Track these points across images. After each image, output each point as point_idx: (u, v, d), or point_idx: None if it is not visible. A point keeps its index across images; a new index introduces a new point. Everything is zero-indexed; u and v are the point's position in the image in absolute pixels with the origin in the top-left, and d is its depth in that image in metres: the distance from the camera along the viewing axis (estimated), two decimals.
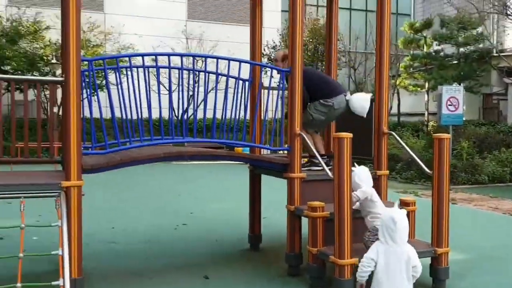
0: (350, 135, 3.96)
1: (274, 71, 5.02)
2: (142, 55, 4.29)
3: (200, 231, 6.78)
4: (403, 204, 4.56)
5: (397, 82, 22.62)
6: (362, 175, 4.17)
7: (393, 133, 5.20)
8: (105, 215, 7.83)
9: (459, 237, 5.97)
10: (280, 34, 23.57)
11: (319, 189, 4.65)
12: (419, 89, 22.85)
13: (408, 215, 4.50)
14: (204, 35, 23.45)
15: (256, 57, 5.87)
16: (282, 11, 26.27)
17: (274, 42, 23.12)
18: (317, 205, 4.20)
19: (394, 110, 23.27)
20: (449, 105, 13.20)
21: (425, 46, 22.19)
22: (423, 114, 22.71)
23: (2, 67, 18.85)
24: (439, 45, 21.70)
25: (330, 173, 4.37)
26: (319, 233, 4.21)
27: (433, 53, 21.65)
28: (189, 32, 23.84)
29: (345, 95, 5.13)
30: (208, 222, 7.41)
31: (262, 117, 5.39)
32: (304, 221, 4.52)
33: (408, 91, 23.36)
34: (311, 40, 21.88)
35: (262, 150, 5.59)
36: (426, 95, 22.20)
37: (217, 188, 11.73)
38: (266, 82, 5.60)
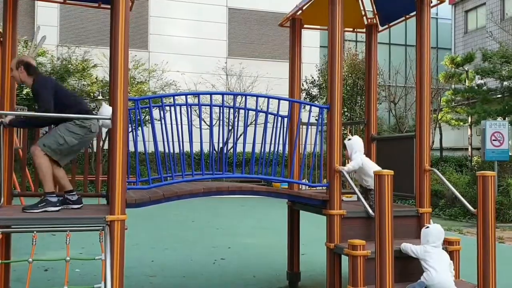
0: (391, 172, 3.92)
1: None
2: (186, 95, 4.44)
3: (238, 267, 6.76)
4: (446, 243, 4.46)
5: (439, 117, 22.21)
6: (358, 144, 4.97)
7: (435, 170, 5.10)
8: (145, 248, 7.94)
9: (507, 279, 5.70)
10: (318, 70, 23.76)
11: (360, 226, 4.58)
12: (461, 123, 22.34)
13: (452, 254, 4.40)
14: (243, 71, 23.93)
15: (294, 92, 5.96)
16: (320, 46, 26.57)
17: (312, 77, 23.30)
18: (357, 243, 4.14)
19: (437, 144, 22.77)
20: (494, 140, 12.84)
21: (466, 80, 21.81)
22: (466, 149, 22.10)
23: None
24: (481, 79, 21.26)
25: (370, 211, 4.32)
26: (360, 272, 4.12)
27: (476, 87, 21.22)
28: (229, 69, 24.39)
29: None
30: (246, 257, 7.38)
31: (300, 153, 5.42)
32: (345, 259, 4.45)
33: (451, 125, 22.86)
34: (350, 75, 21.92)
35: (301, 185, 5.59)
36: (469, 130, 21.66)
37: (254, 222, 11.70)
38: (305, 117, 5.65)
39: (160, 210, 11.32)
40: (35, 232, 3.68)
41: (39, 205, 4.11)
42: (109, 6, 5.01)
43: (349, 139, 5.03)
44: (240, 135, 4.95)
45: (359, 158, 4.90)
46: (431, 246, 4.16)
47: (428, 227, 4.31)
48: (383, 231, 3.82)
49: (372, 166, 4.92)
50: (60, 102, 4.28)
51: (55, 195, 4.21)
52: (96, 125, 4.41)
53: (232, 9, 26.79)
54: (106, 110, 4.42)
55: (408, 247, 4.24)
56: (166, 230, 10.18)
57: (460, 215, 12.70)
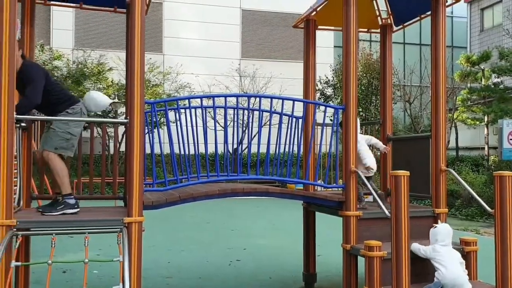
0: (407, 173, 3.90)
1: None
2: (200, 97, 4.48)
3: (254, 268, 6.78)
4: (463, 243, 4.43)
5: (455, 116, 21.99)
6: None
7: (451, 170, 5.05)
8: (162, 250, 8.00)
9: None
10: (332, 70, 23.69)
11: (376, 227, 4.57)
12: (478, 122, 22.08)
13: (469, 255, 4.36)
14: (257, 73, 23.98)
15: (309, 92, 5.95)
16: (334, 46, 26.49)
17: (326, 77, 23.24)
18: (374, 244, 4.12)
19: (452, 144, 22.54)
20: (511, 139, 12.66)
21: (483, 79, 21.55)
22: (483, 148, 21.83)
23: None
24: (498, 77, 20.99)
25: (387, 212, 4.30)
26: (376, 273, 4.10)
27: (492, 86, 20.96)
28: (242, 70, 24.45)
29: None
30: (261, 259, 7.39)
31: (315, 154, 5.41)
32: (361, 260, 4.44)
33: (467, 124, 22.62)
34: (364, 75, 21.83)
35: (316, 186, 5.59)
36: (485, 129, 21.39)
37: (269, 223, 11.71)
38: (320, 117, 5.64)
39: (176, 212, 11.39)
40: (54, 234, 3.74)
41: (58, 208, 4.16)
42: (124, 10, 5.08)
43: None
44: (254, 136, 4.95)
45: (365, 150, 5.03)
46: (440, 245, 4.14)
47: (436, 226, 4.30)
48: (400, 232, 3.80)
49: (366, 152, 5.03)
50: (54, 93, 4.22)
51: (72, 197, 4.27)
52: (82, 108, 4.39)
53: (245, 10, 26.86)
54: (90, 98, 4.63)
55: (417, 247, 4.22)
56: (182, 232, 10.24)
57: (477, 215, 12.56)
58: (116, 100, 20.23)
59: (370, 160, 5.02)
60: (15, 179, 4.11)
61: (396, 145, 5.83)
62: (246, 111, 5.40)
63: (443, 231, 4.22)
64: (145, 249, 4.03)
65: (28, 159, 4.71)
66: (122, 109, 20.25)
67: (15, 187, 4.27)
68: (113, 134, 11.70)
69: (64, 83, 19.68)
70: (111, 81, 21.22)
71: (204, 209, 13.99)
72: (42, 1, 4.92)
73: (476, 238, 4.67)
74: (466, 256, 4.39)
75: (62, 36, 23.73)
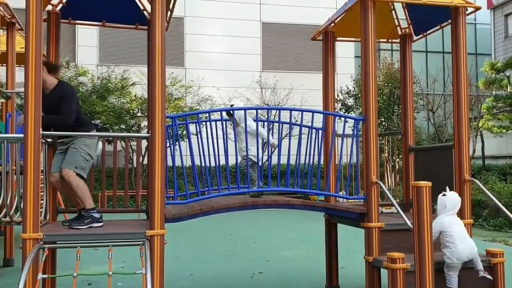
0: (429, 183, 3.86)
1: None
2: (220, 110, 4.53)
3: (276, 281, 6.75)
4: (490, 255, 4.36)
5: (480, 124, 21.59)
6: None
7: (476, 180, 4.97)
8: (184, 262, 8.04)
9: None
10: (353, 80, 23.59)
11: (398, 239, 4.52)
12: (504, 130, 21.62)
13: (496, 267, 4.27)
14: (277, 84, 24.04)
15: (329, 103, 5.95)
16: (355, 56, 26.40)
17: (347, 88, 23.15)
18: (396, 256, 4.08)
19: (478, 153, 22.10)
20: None
21: (508, 86, 21.14)
22: (510, 157, 21.35)
23: (92, 121, 20.41)
24: None
25: (409, 223, 4.25)
26: (400, 286, 4.05)
27: None
28: (263, 82, 24.55)
29: None
30: (284, 271, 7.36)
31: (336, 165, 5.40)
32: (384, 273, 4.39)
33: (493, 132, 22.17)
34: (386, 84, 21.66)
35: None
36: None
37: (291, 235, 11.65)
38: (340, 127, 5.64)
39: (198, 224, 11.46)
40: (79, 247, 3.82)
41: (85, 221, 4.26)
42: (145, 27, 5.19)
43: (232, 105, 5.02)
44: (275, 148, 5.00)
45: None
46: (446, 215, 4.11)
47: (445, 194, 4.26)
48: (423, 244, 3.75)
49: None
50: (77, 117, 4.43)
51: (96, 210, 4.36)
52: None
53: (265, 23, 27.04)
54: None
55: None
56: (204, 244, 10.28)
57: (505, 226, 12.24)
58: (139, 114, 20.53)
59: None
60: (42, 193, 4.22)
61: (419, 155, 5.77)
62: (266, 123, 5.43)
63: (453, 199, 4.20)
64: (168, 261, 4.08)
65: None
66: (145, 123, 20.51)
67: (42, 201, 4.38)
68: (136, 147, 11.90)
69: (89, 99, 20.10)
70: (134, 96, 21.55)
71: (226, 221, 14.01)
72: (67, 20, 5.07)
73: (503, 249, 4.57)
74: (492, 268, 4.30)
75: (87, 53, 24.27)
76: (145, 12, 5.12)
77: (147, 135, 4.19)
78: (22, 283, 3.36)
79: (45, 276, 3.87)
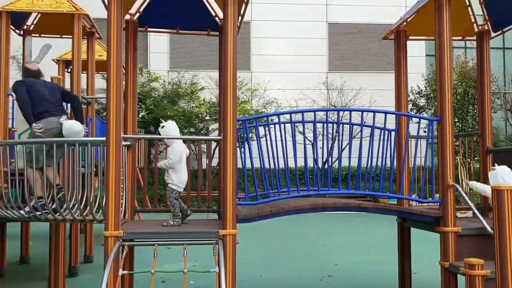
0: (511, 187, 3.66)
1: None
2: (290, 113, 4.56)
3: (345, 285, 6.67)
4: None
5: None
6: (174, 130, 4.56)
7: None
8: (254, 263, 8.14)
9: None
10: (425, 79, 22.77)
11: (475, 244, 4.32)
12: None
13: None
14: (345, 85, 23.71)
15: (401, 104, 5.80)
16: (426, 55, 25.49)
17: (419, 88, 22.39)
18: (475, 262, 3.90)
19: None
20: None
21: None
22: None
23: None
24: None
25: (489, 228, 4.06)
26: None
27: None
28: (330, 83, 24.32)
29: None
30: (354, 275, 7.25)
31: (410, 167, 5.26)
32: (460, 279, 4.21)
33: None
34: (460, 83, 20.73)
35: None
36: None
37: (361, 239, 11.44)
38: (413, 129, 5.48)
39: (266, 225, 11.56)
40: (156, 245, 4.00)
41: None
42: (217, 33, 5.34)
43: (163, 126, 4.51)
44: (344, 148, 4.93)
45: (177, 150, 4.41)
46: None
47: (495, 168, 4.13)
48: (504, 250, 3.56)
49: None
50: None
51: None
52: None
53: (332, 23, 26.80)
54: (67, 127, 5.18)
55: (483, 188, 4.01)
56: (272, 245, 10.35)
57: None
58: (207, 117, 21.06)
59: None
60: (121, 193, 4.46)
61: (498, 157, 5.48)
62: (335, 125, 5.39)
63: (506, 171, 4.05)
64: (239, 262, 4.16)
65: (132, 174, 5.08)
66: (213, 126, 21.02)
67: (121, 201, 4.62)
68: (205, 150, 12.29)
69: (161, 103, 20.86)
70: (203, 100, 22.13)
71: (295, 224, 14.00)
72: (143, 28, 5.33)
73: None
74: None
75: (158, 59, 25.25)
76: (216, 18, 5.27)
77: (219, 138, 4.31)
78: (106, 279, 3.57)
79: (125, 272, 4.07)
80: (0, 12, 6.86)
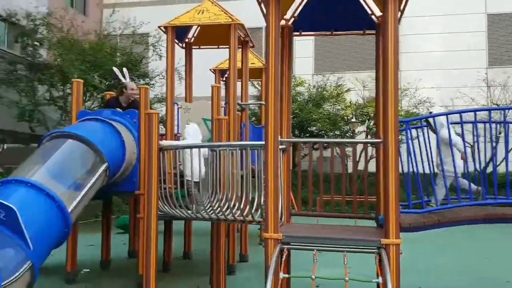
0: None
1: None
2: (474, 111, 4.14)
3: None
4: None
5: None
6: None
7: None
8: (414, 273, 7.58)
9: None
10: None
11: None
12: None
13: None
14: (509, 81, 21.33)
15: None
16: None
17: None
18: None
19: None
20: None
21: None
22: None
23: (309, 128, 21.35)
24: None
25: None
26: None
27: None
28: (490, 80, 22.08)
29: None
30: None
31: None
32: None
33: None
34: None
35: None
36: None
37: None
38: None
39: (428, 235, 10.80)
40: (315, 250, 3.93)
41: None
42: (373, 32, 5.13)
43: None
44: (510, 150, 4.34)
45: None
46: None
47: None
48: None
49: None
50: None
51: None
52: None
53: (491, 15, 24.37)
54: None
55: None
56: (435, 256, 9.60)
57: None
58: (353, 120, 20.66)
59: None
60: None
61: None
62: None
63: None
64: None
65: (288, 177, 5.11)
66: (359, 129, 20.53)
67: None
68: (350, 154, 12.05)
69: (306, 107, 21.04)
70: (349, 102, 21.77)
71: (464, 235, 12.70)
72: (297, 33, 5.34)
73: None
74: None
75: (303, 64, 25.52)
76: (372, 16, 5.06)
77: (379, 140, 4.10)
78: (270, 282, 3.59)
79: (286, 275, 4.07)
80: (166, 27, 7.53)
